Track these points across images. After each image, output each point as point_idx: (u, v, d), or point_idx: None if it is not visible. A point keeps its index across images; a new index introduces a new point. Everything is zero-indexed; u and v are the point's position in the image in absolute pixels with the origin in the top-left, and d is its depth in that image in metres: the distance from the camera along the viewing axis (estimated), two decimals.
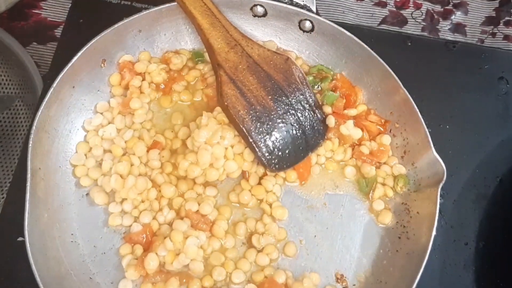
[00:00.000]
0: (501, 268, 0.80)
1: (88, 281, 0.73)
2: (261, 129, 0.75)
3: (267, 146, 0.75)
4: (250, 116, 0.75)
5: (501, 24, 1.09)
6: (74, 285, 0.71)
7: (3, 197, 0.92)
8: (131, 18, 0.78)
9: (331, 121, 0.78)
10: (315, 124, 0.78)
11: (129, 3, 0.92)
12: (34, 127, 0.72)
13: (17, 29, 1.02)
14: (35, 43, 1.01)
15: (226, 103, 0.75)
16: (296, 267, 0.75)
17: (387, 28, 1.06)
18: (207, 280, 0.72)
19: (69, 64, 0.75)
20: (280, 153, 0.76)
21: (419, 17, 1.09)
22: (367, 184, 0.78)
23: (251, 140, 0.74)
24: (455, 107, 0.88)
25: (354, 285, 0.74)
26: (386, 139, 0.80)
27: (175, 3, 0.79)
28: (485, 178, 0.84)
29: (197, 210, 0.75)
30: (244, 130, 0.74)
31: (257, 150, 0.74)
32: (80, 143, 0.79)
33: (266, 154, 0.75)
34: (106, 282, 0.73)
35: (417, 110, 0.76)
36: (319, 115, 0.79)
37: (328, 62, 0.84)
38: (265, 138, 0.75)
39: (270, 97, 0.76)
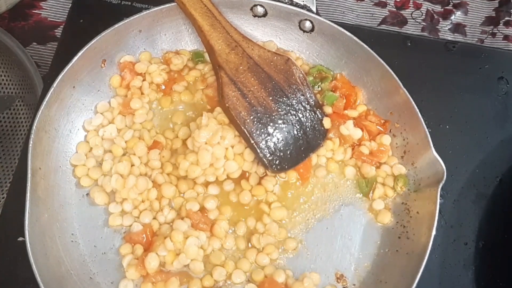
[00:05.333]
0: (501, 268, 0.80)
1: (88, 281, 0.73)
2: (262, 130, 0.75)
3: (268, 147, 0.75)
4: (251, 117, 0.75)
5: (501, 24, 1.09)
6: (75, 285, 0.71)
7: (3, 197, 0.92)
8: (131, 18, 0.78)
9: (327, 122, 0.78)
10: (316, 125, 0.78)
11: (129, 3, 0.92)
12: (34, 127, 0.72)
13: (17, 29, 1.02)
14: (35, 43, 1.01)
15: (227, 105, 0.75)
16: (296, 267, 0.75)
17: (387, 28, 1.06)
18: (207, 280, 0.72)
19: (69, 64, 0.75)
20: (281, 154, 0.76)
21: (419, 17, 1.09)
22: (367, 184, 0.78)
23: (252, 142, 0.74)
24: (455, 107, 0.88)
25: (354, 284, 0.75)
26: (386, 139, 0.80)
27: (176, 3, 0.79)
28: (485, 178, 0.84)
29: (198, 210, 0.75)
30: (246, 131, 0.74)
31: (258, 151, 0.74)
32: (81, 143, 0.79)
33: (268, 155, 0.75)
34: (106, 282, 0.73)
35: (417, 110, 0.76)
36: (319, 116, 0.79)
37: (328, 62, 0.84)
38: (266, 139, 0.75)
39: (271, 98, 0.76)
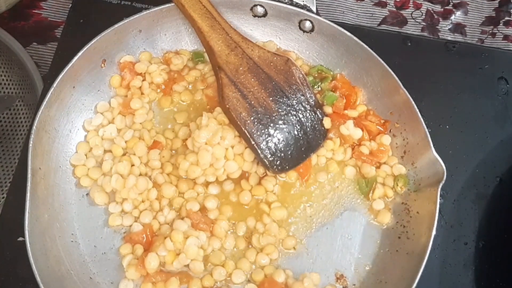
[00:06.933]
0: (501, 268, 0.80)
1: (88, 281, 0.73)
2: (263, 131, 0.75)
3: (269, 148, 0.75)
4: (252, 118, 0.75)
5: (501, 24, 1.09)
6: (74, 285, 0.71)
7: (3, 197, 0.92)
8: (131, 18, 0.78)
9: (327, 122, 0.78)
10: (316, 125, 0.78)
11: (129, 3, 0.92)
12: (34, 127, 0.72)
13: (18, 29, 1.02)
14: (35, 43, 1.01)
15: (227, 106, 0.75)
16: (296, 267, 0.75)
17: (387, 28, 1.06)
18: (207, 280, 0.72)
19: (69, 64, 0.75)
20: (282, 155, 0.76)
21: (419, 17, 1.09)
22: (367, 184, 0.78)
23: (253, 143, 0.74)
24: (455, 107, 0.88)
25: (354, 285, 0.75)
26: (386, 139, 0.80)
27: None
28: (485, 178, 0.84)
29: (198, 210, 0.75)
30: (246, 132, 0.74)
31: (259, 152, 0.74)
32: (81, 143, 0.79)
33: (269, 156, 0.75)
34: (106, 282, 0.73)
35: (417, 110, 0.76)
36: (320, 116, 0.79)
37: (328, 62, 0.84)
38: (267, 139, 0.75)
39: (271, 98, 0.76)
